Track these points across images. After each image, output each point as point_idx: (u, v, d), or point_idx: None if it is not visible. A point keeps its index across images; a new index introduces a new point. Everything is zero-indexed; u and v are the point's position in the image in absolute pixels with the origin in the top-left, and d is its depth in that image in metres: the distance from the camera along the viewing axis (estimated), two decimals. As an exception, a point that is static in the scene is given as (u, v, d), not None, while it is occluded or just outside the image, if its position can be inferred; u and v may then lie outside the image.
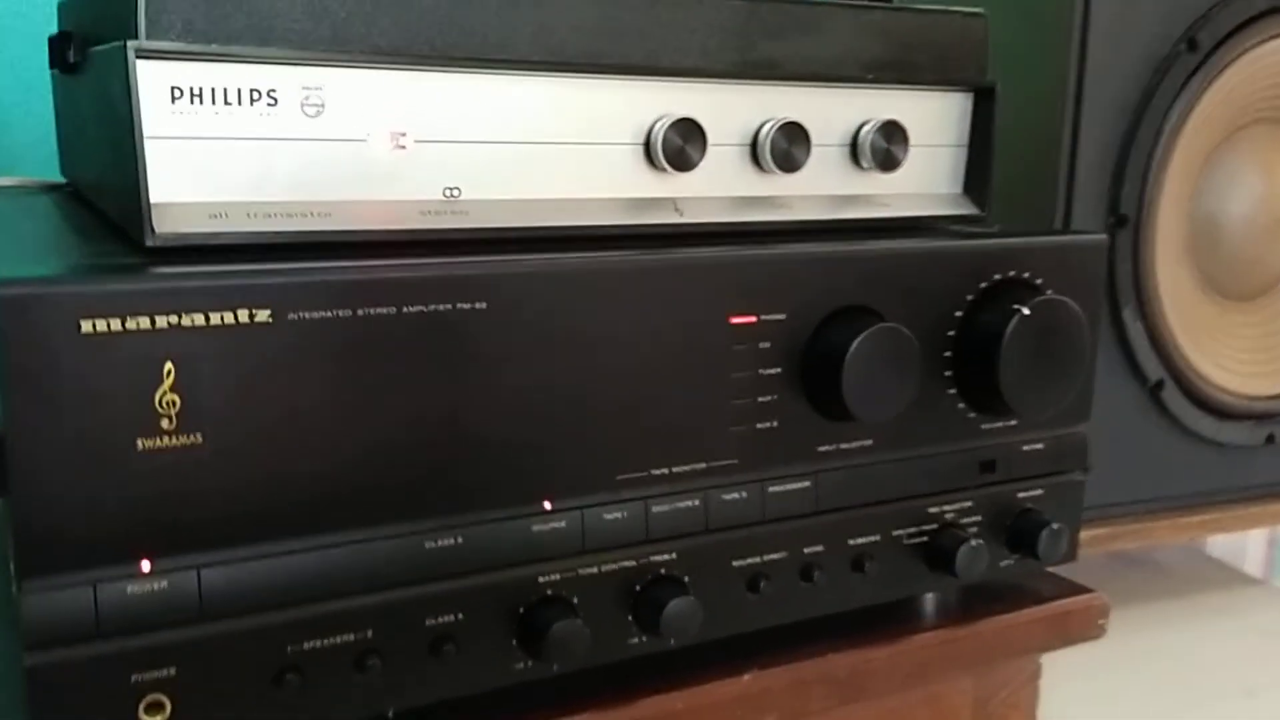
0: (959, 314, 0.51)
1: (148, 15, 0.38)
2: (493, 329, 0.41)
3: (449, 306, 0.41)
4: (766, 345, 0.47)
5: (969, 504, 0.54)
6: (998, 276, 0.52)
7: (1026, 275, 0.53)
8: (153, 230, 0.39)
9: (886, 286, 0.49)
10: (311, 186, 0.42)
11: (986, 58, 0.55)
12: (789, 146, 0.50)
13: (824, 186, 0.52)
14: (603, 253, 0.44)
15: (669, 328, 0.45)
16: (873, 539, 0.52)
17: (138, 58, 0.38)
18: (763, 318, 0.47)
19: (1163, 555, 1.00)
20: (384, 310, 0.40)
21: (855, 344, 0.47)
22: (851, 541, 0.51)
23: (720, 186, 0.50)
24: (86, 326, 0.35)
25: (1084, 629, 0.59)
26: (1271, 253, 0.86)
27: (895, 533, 0.52)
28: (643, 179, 0.48)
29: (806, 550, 0.50)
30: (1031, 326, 0.50)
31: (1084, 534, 0.77)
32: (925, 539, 0.53)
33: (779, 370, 0.48)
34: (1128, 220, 0.77)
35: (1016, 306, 0.50)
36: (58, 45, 0.52)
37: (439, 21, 0.43)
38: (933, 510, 0.53)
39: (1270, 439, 0.86)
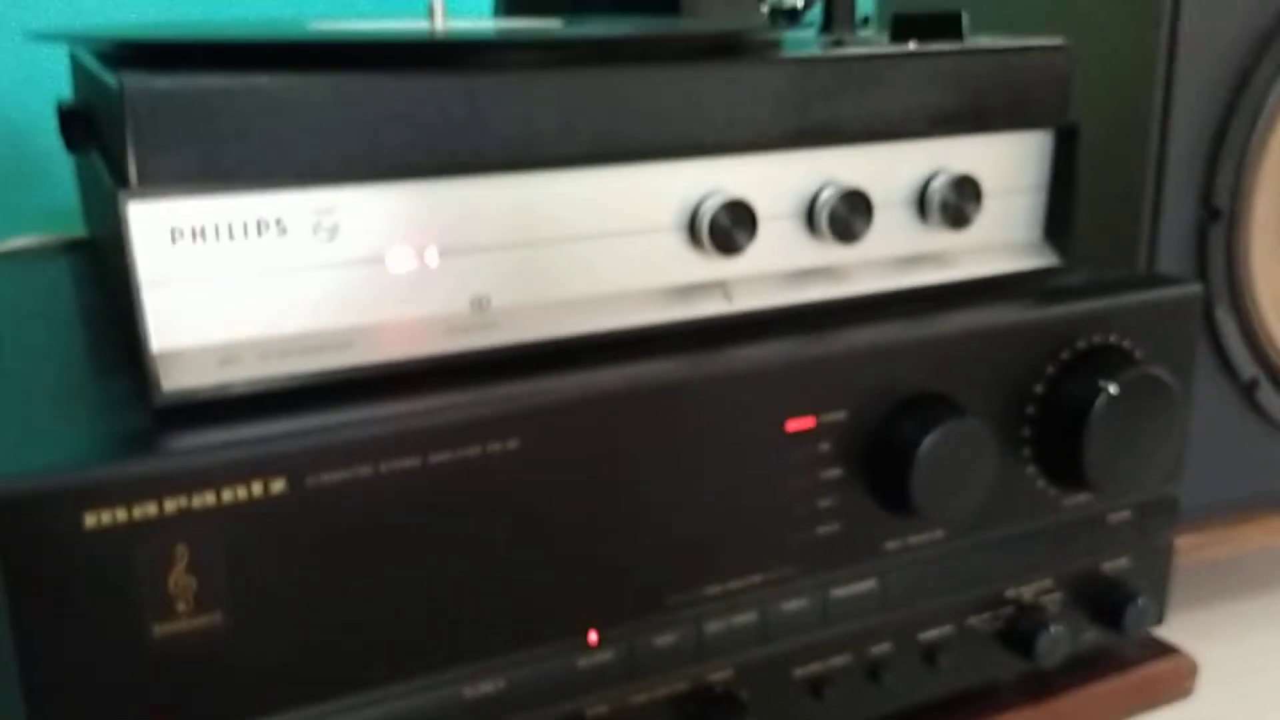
0: (1039, 389, 0.47)
1: (138, 161, 0.35)
2: (526, 468, 0.38)
3: (479, 450, 0.38)
4: (826, 447, 0.44)
5: (1049, 582, 0.51)
6: (1081, 345, 0.48)
7: (1112, 339, 0.48)
8: (159, 390, 0.36)
9: (957, 370, 0.45)
10: (329, 315, 0.39)
11: (1070, 92, 0.49)
12: (849, 215, 0.45)
13: (888, 248, 0.48)
14: (641, 365, 0.41)
15: (717, 441, 0.42)
16: (945, 630, 0.48)
17: (131, 200, 0.35)
18: (822, 419, 0.43)
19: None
20: (408, 463, 0.37)
21: (924, 445, 0.43)
22: (922, 636, 0.48)
23: (773, 262, 0.46)
24: (91, 521, 0.33)
25: (1171, 692, 0.55)
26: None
27: (969, 621, 0.49)
28: (688, 263, 0.44)
29: (874, 650, 0.47)
30: (1119, 404, 0.46)
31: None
32: (1002, 624, 0.50)
33: (841, 471, 0.44)
34: (1221, 214, 0.71)
35: (1103, 384, 0.46)
36: (65, 120, 0.49)
37: (453, 130, 0.39)
38: (1010, 594, 0.50)
39: (1375, 433, 0.80)
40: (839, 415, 0.43)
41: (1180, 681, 0.56)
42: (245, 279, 0.37)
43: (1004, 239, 0.50)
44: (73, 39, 0.41)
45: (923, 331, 0.45)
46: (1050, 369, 0.47)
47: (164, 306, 0.36)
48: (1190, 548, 0.76)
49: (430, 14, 0.48)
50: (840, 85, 0.45)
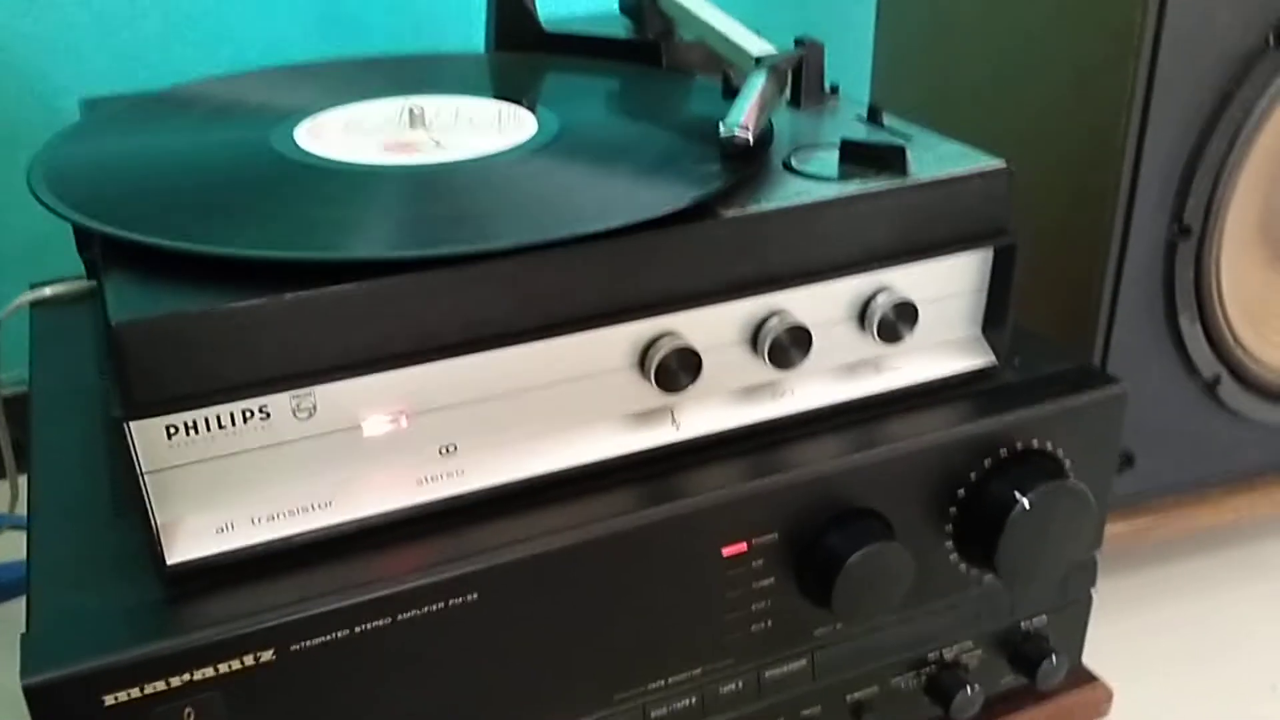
0: (961, 493, 0.52)
1: (136, 388, 0.39)
2: (485, 616, 0.44)
3: (442, 605, 0.43)
4: (760, 563, 0.49)
5: (970, 644, 0.57)
6: (1004, 453, 0.52)
7: (1036, 444, 0.53)
8: (164, 564, 0.42)
9: (885, 486, 0.50)
10: (311, 479, 0.44)
11: (1010, 211, 0.52)
12: (790, 347, 0.49)
13: (829, 360, 0.52)
14: (592, 508, 0.46)
15: (659, 572, 0.47)
16: (871, 690, 0.55)
17: (131, 421, 0.40)
18: (754, 543, 0.49)
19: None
20: (380, 622, 0.43)
21: (848, 564, 0.48)
22: (850, 697, 0.54)
23: (719, 384, 0.50)
24: (110, 700, 0.39)
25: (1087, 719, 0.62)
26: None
27: (894, 681, 0.55)
28: (639, 393, 0.49)
29: (804, 712, 0.54)
30: (1033, 515, 0.51)
31: (1125, 525, 0.80)
32: (924, 680, 0.56)
33: (772, 580, 0.50)
34: (1191, 231, 0.73)
35: (1018, 496, 0.51)
36: (78, 239, 0.54)
37: (417, 326, 0.43)
38: (932, 655, 0.56)
39: (1332, 414, 0.84)
40: (771, 537, 0.49)
41: (1096, 708, 0.62)
42: (235, 458, 0.43)
43: (940, 338, 0.54)
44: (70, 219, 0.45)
45: (854, 461, 0.49)
46: (974, 475, 0.52)
47: (164, 488, 0.42)
48: (1144, 529, 0.82)
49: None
50: (783, 235, 0.48)
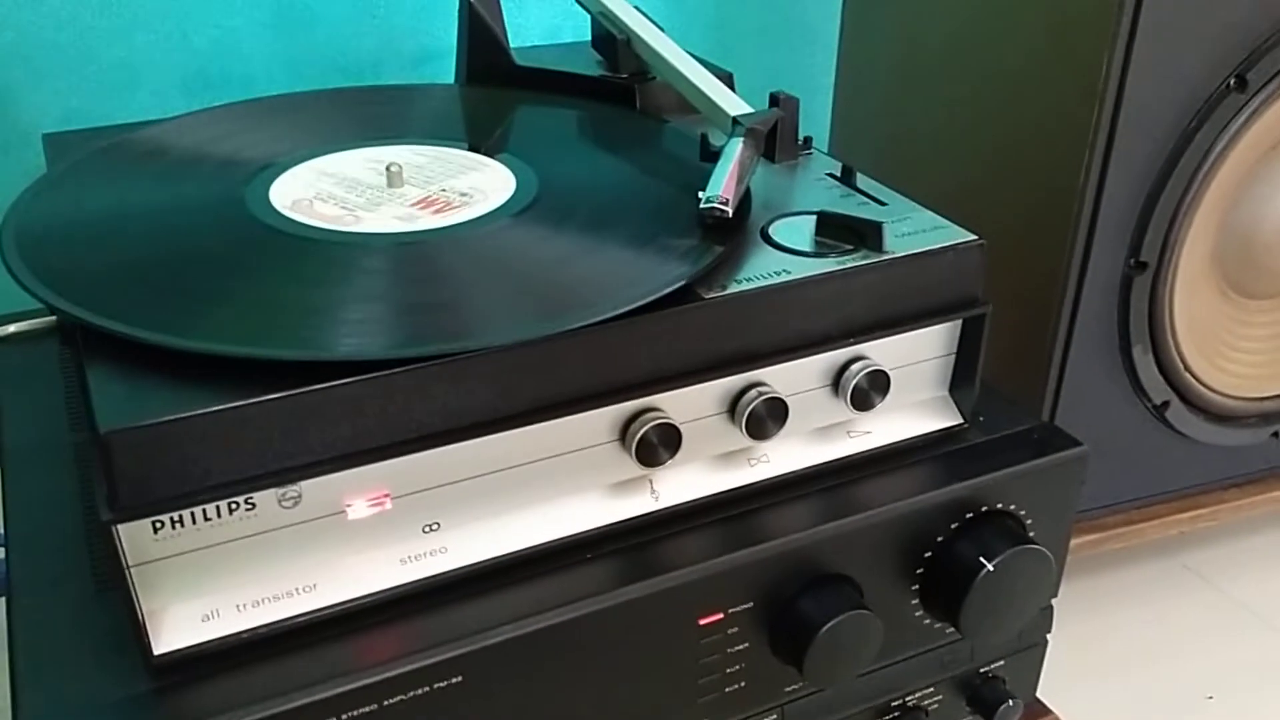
0: (928, 554, 0.54)
1: (122, 491, 0.40)
2: (470, 697, 0.45)
3: (427, 689, 0.44)
4: (735, 630, 0.50)
5: (931, 689, 0.58)
6: (969, 515, 0.54)
7: (999, 505, 0.54)
8: (151, 654, 0.42)
9: (855, 551, 0.52)
10: (295, 564, 0.45)
11: (981, 283, 0.53)
12: (766, 418, 0.50)
13: (803, 425, 0.53)
14: (571, 586, 0.47)
15: (638, 643, 0.48)
16: (836, 737, 0.57)
17: (118, 524, 0.40)
18: (730, 612, 0.50)
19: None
20: (366, 709, 0.43)
21: (820, 633, 0.50)
22: (815, 744, 0.56)
23: (697, 452, 0.51)
24: (101, 799, 0.40)
25: (1037, 751, 0.65)
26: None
27: (857, 727, 0.57)
28: (619, 464, 0.50)
29: (771, 759, 0.55)
30: (996, 577, 0.53)
31: (1075, 540, 0.82)
32: (887, 724, 0.58)
33: (747, 645, 0.51)
34: (1147, 266, 0.75)
35: (983, 561, 0.52)
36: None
37: (399, 419, 0.43)
38: (895, 702, 0.58)
39: (1275, 435, 0.87)
40: (746, 605, 0.50)
41: (1045, 739, 0.65)
42: (220, 547, 0.43)
43: (910, 399, 0.55)
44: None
45: (827, 531, 0.51)
46: (940, 538, 0.53)
47: (149, 579, 0.42)
48: (1094, 543, 0.85)
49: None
50: (763, 314, 0.49)
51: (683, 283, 0.47)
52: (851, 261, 0.50)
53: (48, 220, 0.52)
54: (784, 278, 0.49)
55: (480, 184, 0.55)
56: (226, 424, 0.40)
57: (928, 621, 0.56)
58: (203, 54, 0.86)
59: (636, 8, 0.67)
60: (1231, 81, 0.71)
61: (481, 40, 0.68)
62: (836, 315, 0.50)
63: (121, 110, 0.84)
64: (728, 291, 0.48)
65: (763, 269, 0.50)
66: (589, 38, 0.72)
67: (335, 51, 0.90)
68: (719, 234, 0.50)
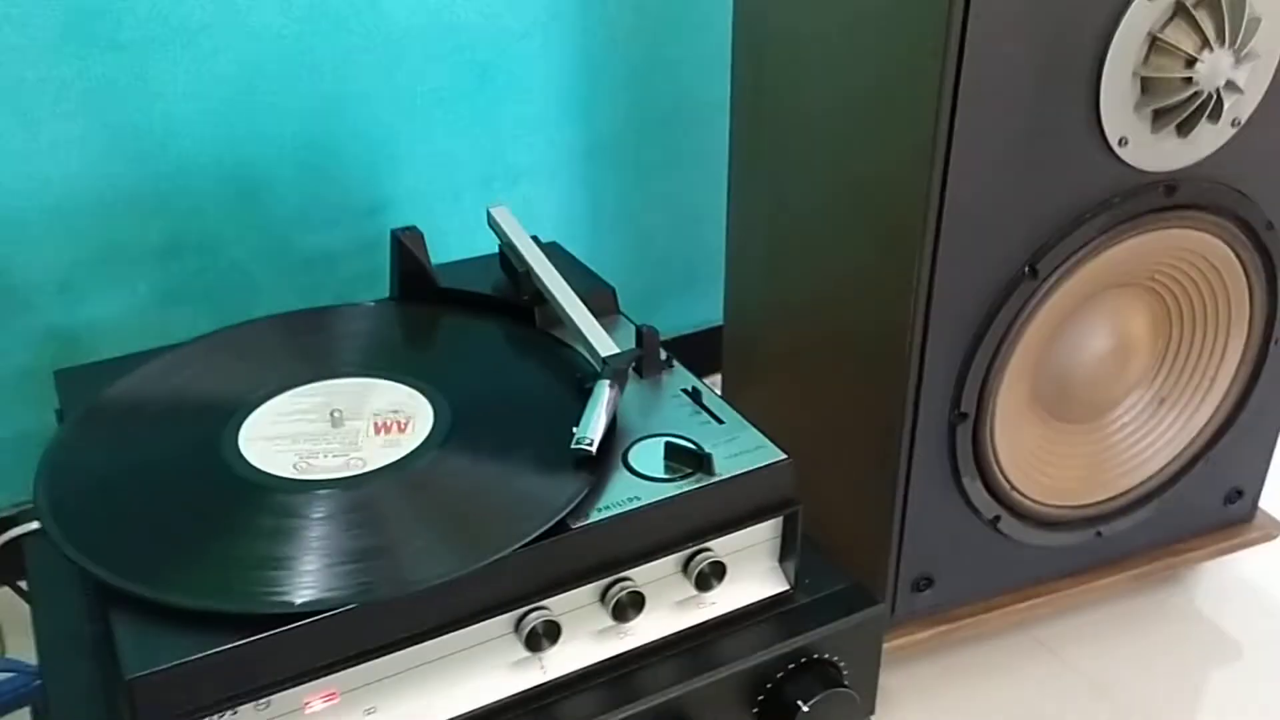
0: (760, 697, 0.69)
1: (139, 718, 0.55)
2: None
3: None
4: (609, 773, 0.66)
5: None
6: (792, 666, 0.70)
7: (817, 655, 0.70)
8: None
9: (706, 699, 0.67)
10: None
11: (793, 488, 0.69)
12: (629, 607, 0.66)
13: (663, 602, 0.69)
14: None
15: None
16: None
17: (139, 736, 0.56)
18: (603, 760, 0.66)
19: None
20: None
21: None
22: (684, 844, 0.72)
23: (577, 632, 0.67)
24: None
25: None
26: (1113, 387, 1.00)
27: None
28: (515, 649, 0.65)
29: None
30: (812, 715, 0.69)
31: (927, 632, 0.99)
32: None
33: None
34: (967, 415, 0.91)
35: (800, 705, 0.68)
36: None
37: (354, 642, 0.59)
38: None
39: (1099, 534, 1.03)
40: (616, 753, 0.66)
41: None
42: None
43: (751, 568, 0.71)
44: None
45: (685, 687, 0.66)
46: (770, 684, 0.69)
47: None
48: (943, 634, 1.01)
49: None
50: (621, 533, 0.64)
51: (559, 518, 0.63)
52: (689, 486, 0.66)
53: (73, 486, 0.67)
54: (635, 504, 0.65)
55: (406, 421, 0.71)
56: (225, 660, 0.56)
57: (767, 743, 0.72)
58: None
59: (534, 238, 0.83)
60: (1027, 269, 0.87)
61: (409, 267, 0.83)
62: (680, 527, 0.66)
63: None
64: (589, 521, 0.64)
65: (621, 495, 0.65)
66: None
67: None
68: (588, 467, 0.66)
